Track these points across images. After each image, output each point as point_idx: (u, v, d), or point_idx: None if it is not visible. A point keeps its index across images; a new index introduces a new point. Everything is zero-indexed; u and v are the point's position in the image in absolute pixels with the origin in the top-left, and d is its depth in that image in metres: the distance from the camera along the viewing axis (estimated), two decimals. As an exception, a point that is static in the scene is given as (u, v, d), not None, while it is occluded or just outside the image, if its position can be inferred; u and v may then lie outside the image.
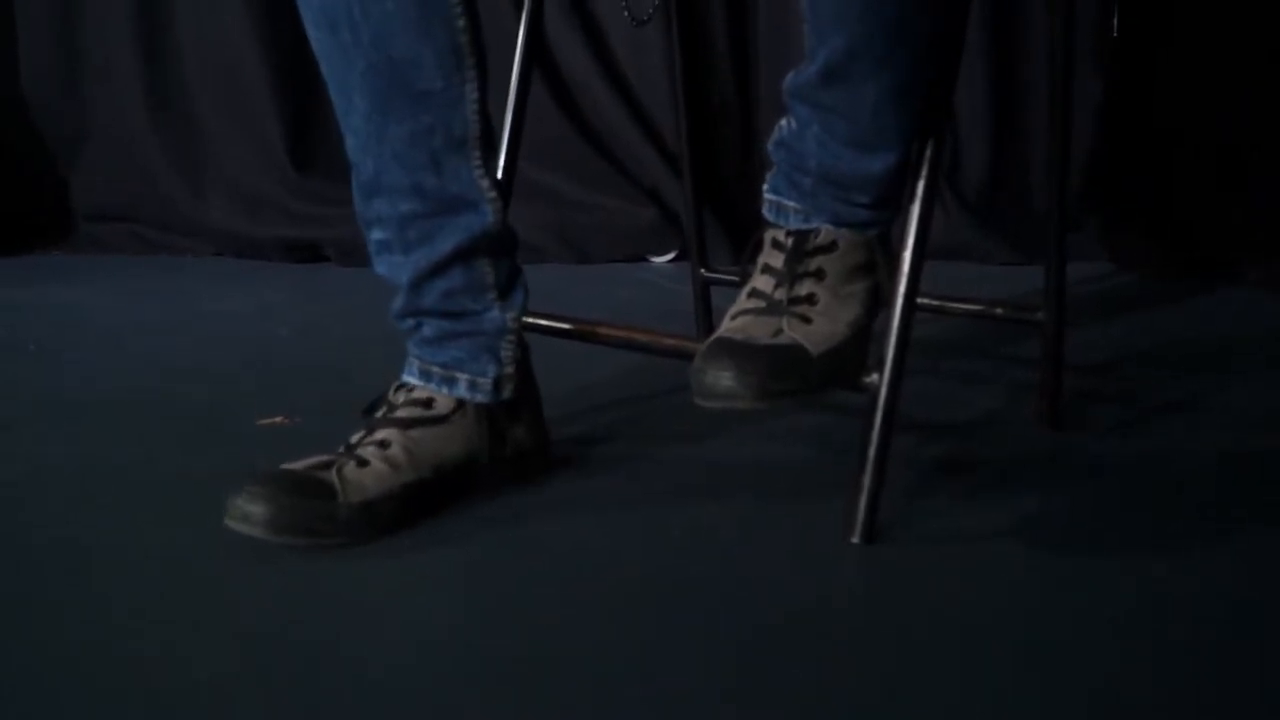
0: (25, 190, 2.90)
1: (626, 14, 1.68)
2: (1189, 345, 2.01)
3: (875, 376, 1.30)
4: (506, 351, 1.41)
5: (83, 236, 2.91)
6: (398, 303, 1.40)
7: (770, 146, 1.36)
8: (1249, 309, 2.25)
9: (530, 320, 1.46)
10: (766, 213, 1.36)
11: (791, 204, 1.34)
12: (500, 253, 1.40)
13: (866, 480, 1.28)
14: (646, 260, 2.71)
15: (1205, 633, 1.11)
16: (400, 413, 1.37)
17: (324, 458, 1.31)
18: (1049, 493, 1.41)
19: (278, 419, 1.65)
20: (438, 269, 1.37)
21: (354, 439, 1.35)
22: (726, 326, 1.29)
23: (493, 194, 1.38)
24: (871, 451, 1.29)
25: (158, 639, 1.13)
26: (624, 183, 2.75)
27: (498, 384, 1.40)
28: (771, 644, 1.11)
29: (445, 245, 1.36)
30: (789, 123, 1.33)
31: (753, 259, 1.35)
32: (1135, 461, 1.49)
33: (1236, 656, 1.08)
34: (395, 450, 1.33)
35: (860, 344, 1.31)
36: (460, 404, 1.38)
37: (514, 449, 1.42)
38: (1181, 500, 1.40)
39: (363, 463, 1.31)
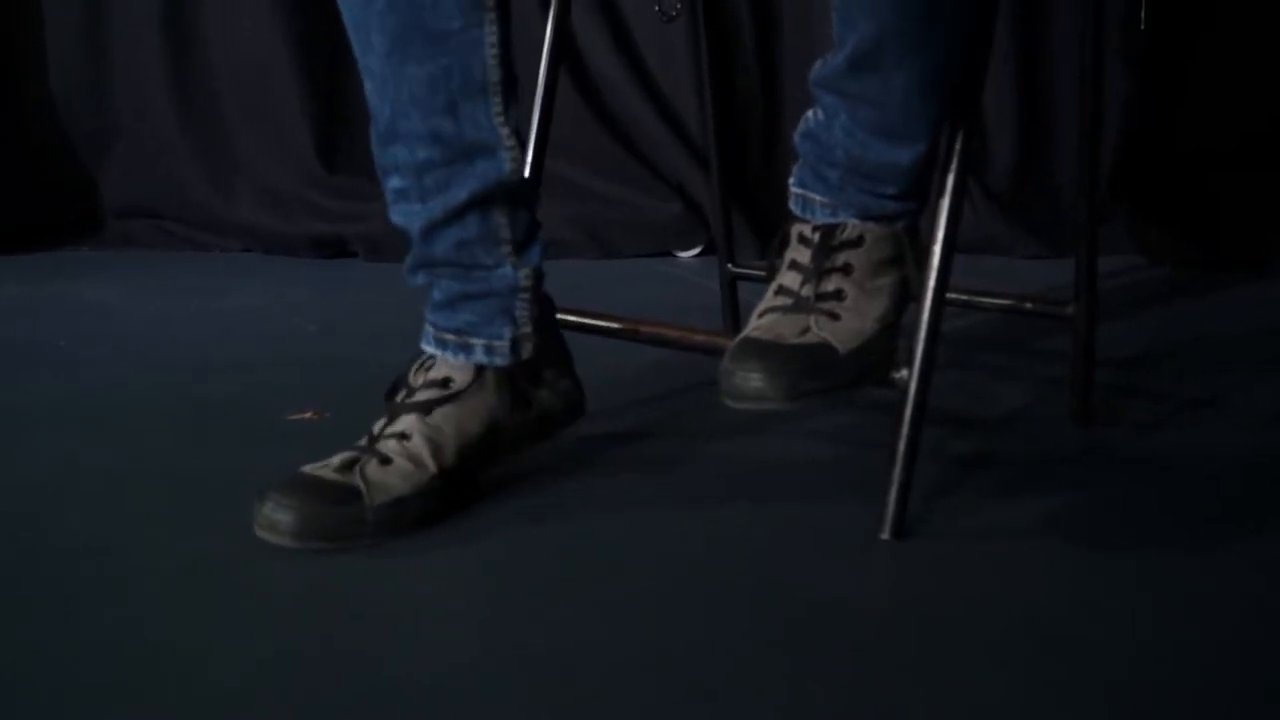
0: (54, 187, 2.90)
1: (657, 9, 1.68)
2: (1219, 339, 2.00)
3: (905, 372, 1.29)
4: (522, 310, 1.39)
5: (111, 233, 2.91)
6: (409, 256, 1.38)
7: (796, 138, 1.35)
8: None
9: (560, 317, 1.46)
10: (793, 206, 1.35)
11: (818, 197, 1.33)
12: (517, 203, 1.38)
13: (896, 476, 1.28)
14: (672, 255, 2.71)
15: (1232, 631, 1.11)
16: (419, 395, 1.36)
17: (348, 455, 1.31)
18: (1079, 489, 1.40)
19: (307, 414, 1.66)
20: (452, 216, 1.35)
21: (376, 429, 1.35)
22: (754, 325, 1.28)
23: (511, 141, 1.35)
24: (901, 447, 1.28)
25: (182, 637, 1.13)
26: (650, 178, 2.74)
27: (515, 345, 1.38)
28: (801, 639, 1.10)
29: (461, 193, 1.34)
30: (816, 113, 1.33)
31: (779, 253, 1.34)
32: (1166, 458, 1.48)
33: (1264, 656, 1.07)
34: (416, 442, 1.33)
35: (889, 339, 1.30)
36: (478, 372, 1.37)
37: (538, 411, 1.41)
38: (1212, 498, 1.39)
39: (385, 460, 1.31)
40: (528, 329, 1.39)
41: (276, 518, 1.25)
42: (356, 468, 1.30)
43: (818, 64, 1.29)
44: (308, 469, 1.31)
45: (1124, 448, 1.52)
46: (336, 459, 1.31)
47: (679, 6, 1.67)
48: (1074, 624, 1.12)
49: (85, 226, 2.90)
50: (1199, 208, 2.51)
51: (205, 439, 1.62)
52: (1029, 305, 1.69)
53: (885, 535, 1.28)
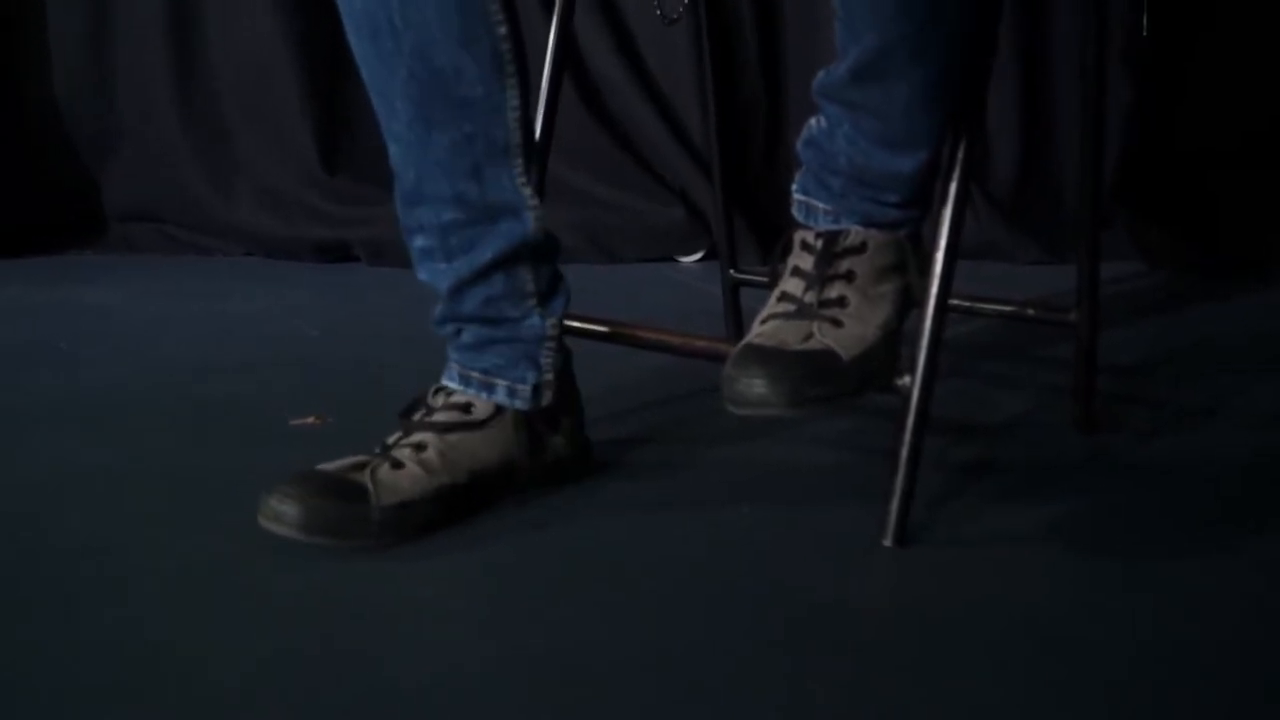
0: (56, 191, 2.90)
1: (658, 13, 1.68)
2: (1222, 344, 2.00)
3: (907, 379, 1.29)
4: (546, 358, 1.40)
5: (113, 237, 2.91)
6: (438, 309, 1.40)
7: (799, 146, 1.36)
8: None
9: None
10: (795, 213, 1.36)
11: (821, 204, 1.34)
12: (541, 259, 1.40)
13: (898, 483, 1.28)
14: (675, 260, 2.71)
15: (1232, 631, 1.11)
16: (438, 416, 1.37)
17: (359, 459, 1.32)
18: (1081, 495, 1.40)
19: (310, 419, 1.66)
20: (479, 276, 1.37)
21: (390, 440, 1.35)
22: (757, 331, 1.28)
23: (534, 201, 1.37)
24: (903, 454, 1.28)
25: (182, 637, 1.13)
26: (652, 183, 2.75)
27: (537, 391, 1.40)
28: (802, 640, 1.11)
29: (486, 253, 1.36)
30: (818, 122, 1.33)
31: (782, 259, 1.35)
32: (1168, 464, 1.48)
33: (1264, 656, 1.07)
34: (431, 454, 1.33)
35: (891, 346, 1.30)
36: (499, 410, 1.38)
37: (553, 457, 1.41)
38: (1212, 501, 1.39)
39: (397, 464, 1.31)
40: (550, 376, 1.40)
41: (282, 509, 1.25)
42: (367, 469, 1.30)
43: (821, 73, 1.29)
44: (318, 467, 1.31)
45: (1125, 453, 1.52)
46: (347, 460, 1.32)
47: (681, 9, 1.68)
48: (1074, 625, 1.12)
49: (87, 229, 2.90)
50: (1199, 208, 2.52)
51: (205, 439, 1.62)
52: (1031, 311, 1.69)
53: (888, 541, 1.27)
